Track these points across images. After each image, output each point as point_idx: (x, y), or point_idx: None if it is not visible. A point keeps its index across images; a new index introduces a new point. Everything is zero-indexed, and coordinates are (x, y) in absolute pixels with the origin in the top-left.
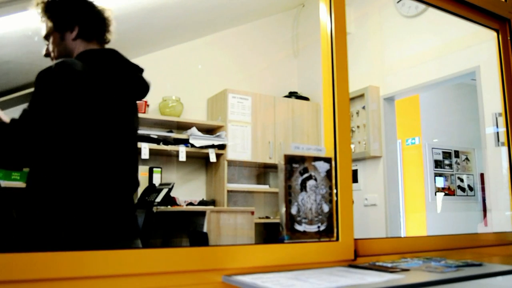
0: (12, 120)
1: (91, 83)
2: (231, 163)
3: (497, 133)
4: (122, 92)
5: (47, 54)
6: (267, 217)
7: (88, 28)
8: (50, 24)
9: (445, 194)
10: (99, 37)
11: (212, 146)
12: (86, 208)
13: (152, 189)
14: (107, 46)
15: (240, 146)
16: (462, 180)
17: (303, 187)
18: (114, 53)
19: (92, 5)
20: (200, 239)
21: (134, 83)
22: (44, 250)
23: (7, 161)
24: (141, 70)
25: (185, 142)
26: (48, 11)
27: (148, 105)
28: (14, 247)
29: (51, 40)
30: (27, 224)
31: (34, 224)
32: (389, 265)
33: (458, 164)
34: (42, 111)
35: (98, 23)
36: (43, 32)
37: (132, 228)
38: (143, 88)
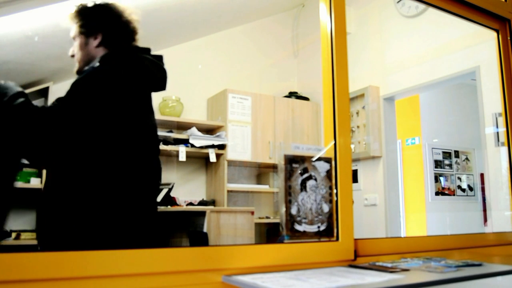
0: (42, 107)
1: (114, 86)
2: (231, 163)
3: (497, 133)
4: (142, 89)
5: (73, 55)
6: (267, 217)
7: (111, 37)
8: (76, 28)
9: (445, 194)
10: (121, 47)
11: (212, 146)
12: (111, 208)
13: None
14: None
15: (240, 146)
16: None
17: (303, 187)
18: (132, 53)
19: (119, 15)
20: (200, 239)
21: (162, 82)
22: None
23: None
24: (162, 59)
25: (185, 142)
26: (77, 15)
27: None
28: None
29: (76, 43)
30: (50, 225)
31: (58, 224)
32: (389, 265)
33: (458, 164)
34: (69, 108)
35: (122, 34)
36: (71, 34)
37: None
38: (165, 83)
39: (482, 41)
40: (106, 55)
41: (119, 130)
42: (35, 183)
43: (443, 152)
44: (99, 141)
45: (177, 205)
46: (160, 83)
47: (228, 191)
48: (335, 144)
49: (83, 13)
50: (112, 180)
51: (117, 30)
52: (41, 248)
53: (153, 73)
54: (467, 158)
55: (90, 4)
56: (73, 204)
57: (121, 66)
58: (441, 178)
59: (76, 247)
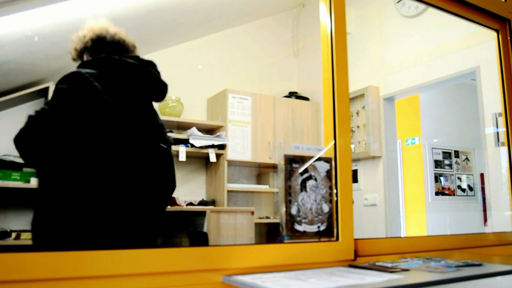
0: (29, 116)
1: (76, 85)
2: (231, 163)
3: (497, 133)
4: (135, 94)
5: None
6: (267, 217)
7: (93, 53)
8: (73, 54)
9: (445, 194)
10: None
11: (212, 146)
12: (108, 208)
13: None
14: None
15: (240, 146)
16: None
17: (303, 187)
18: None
19: (95, 34)
20: (200, 239)
21: (149, 84)
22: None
23: (30, 154)
24: (152, 65)
25: (185, 142)
26: (71, 44)
27: None
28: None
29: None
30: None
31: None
32: (389, 265)
33: (458, 164)
34: (57, 111)
35: (101, 48)
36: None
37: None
38: (159, 89)
39: (482, 41)
40: (81, 62)
41: (97, 130)
42: (35, 183)
43: (443, 152)
44: (80, 141)
45: (177, 205)
46: (145, 84)
47: (228, 191)
48: (335, 144)
49: (74, 42)
50: (98, 180)
51: (96, 46)
52: (37, 247)
53: (128, 74)
54: (467, 158)
55: (76, 34)
56: (72, 204)
57: (88, 67)
58: (441, 178)
59: (78, 247)
